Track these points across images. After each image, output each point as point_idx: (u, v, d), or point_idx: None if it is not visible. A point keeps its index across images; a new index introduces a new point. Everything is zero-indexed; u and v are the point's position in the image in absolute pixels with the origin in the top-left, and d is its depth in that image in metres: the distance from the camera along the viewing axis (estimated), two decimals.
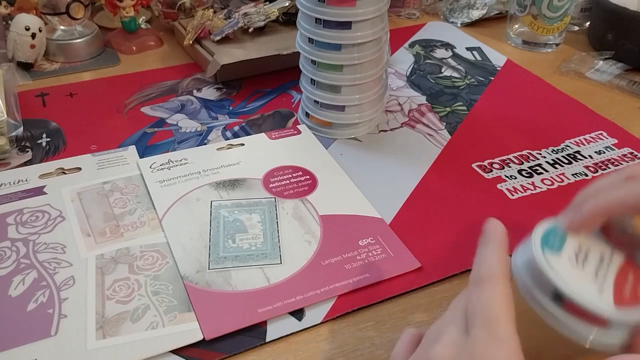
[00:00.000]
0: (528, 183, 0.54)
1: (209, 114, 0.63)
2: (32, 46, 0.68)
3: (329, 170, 0.54)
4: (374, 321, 0.41)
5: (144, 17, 0.77)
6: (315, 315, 0.41)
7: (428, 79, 0.71)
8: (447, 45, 0.79)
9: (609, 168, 0.56)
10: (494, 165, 0.56)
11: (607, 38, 0.75)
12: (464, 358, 0.28)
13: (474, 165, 0.56)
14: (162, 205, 0.49)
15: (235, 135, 0.60)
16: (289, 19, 0.73)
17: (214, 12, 0.74)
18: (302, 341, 0.39)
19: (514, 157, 0.57)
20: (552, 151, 0.58)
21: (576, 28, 0.84)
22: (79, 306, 0.40)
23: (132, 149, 0.57)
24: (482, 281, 0.31)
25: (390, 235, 0.47)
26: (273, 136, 0.59)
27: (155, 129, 0.61)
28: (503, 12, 0.85)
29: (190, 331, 0.39)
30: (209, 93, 0.67)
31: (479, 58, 0.76)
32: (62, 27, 0.72)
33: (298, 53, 0.58)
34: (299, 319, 0.40)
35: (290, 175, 0.53)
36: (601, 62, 0.73)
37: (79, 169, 0.54)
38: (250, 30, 0.70)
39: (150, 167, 0.54)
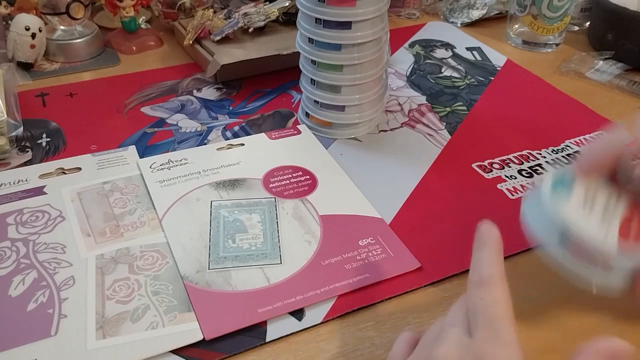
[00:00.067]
0: (528, 183, 0.54)
1: (209, 114, 0.63)
2: (32, 46, 0.68)
3: (329, 170, 0.54)
4: (374, 321, 0.41)
5: (144, 17, 0.77)
6: (315, 315, 0.41)
7: (428, 79, 0.71)
8: (447, 45, 0.79)
9: None
10: (494, 165, 0.56)
11: (607, 38, 0.75)
12: (468, 359, 0.28)
13: (474, 165, 0.56)
14: (162, 205, 0.49)
15: (235, 135, 0.60)
16: (289, 19, 0.73)
17: (214, 12, 0.74)
18: (302, 341, 0.39)
19: (514, 157, 0.57)
20: (552, 151, 0.58)
21: (576, 28, 0.84)
22: (79, 306, 0.40)
23: (132, 149, 0.57)
24: (482, 283, 0.31)
25: (390, 235, 0.47)
26: (273, 136, 0.59)
27: (155, 129, 0.61)
28: (503, 12, 0.85)
29: (190, 331, 0.39)
30: (209, 93, 0.67)
31: (479, 58, 0.76)
32: (62, 27, 0.72)
33: (298, 53, 0.58)
34: (299, 319, 0.40)
35: (290, 175, 0.53)
36: (601, 62, 0.73)
37: (79, 169, 0.54)
38: (250, 30, 0.70)
39: (150, 167, 0.54)
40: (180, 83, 0.69)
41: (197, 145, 0.58)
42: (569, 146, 0.59)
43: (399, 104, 0.66)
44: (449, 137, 0.60)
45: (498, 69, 0.74)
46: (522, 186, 0.53)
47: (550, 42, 0.78)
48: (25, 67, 0.70)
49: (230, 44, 0.70)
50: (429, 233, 0.48)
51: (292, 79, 0.67)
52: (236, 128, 0.61)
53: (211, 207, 0.49)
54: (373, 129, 0.61)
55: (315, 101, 0.58)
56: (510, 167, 0.56)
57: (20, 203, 0.49)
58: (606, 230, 0.35)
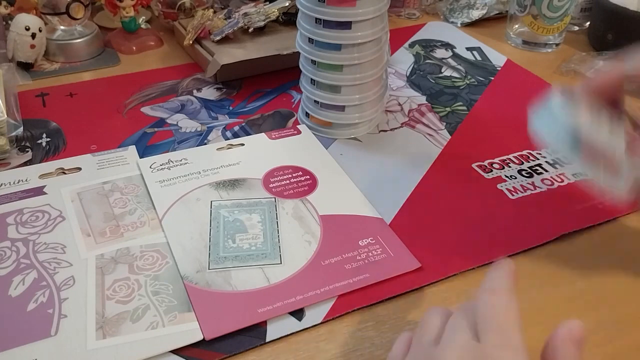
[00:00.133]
0: (528, 183, 0.54)
1: (209, 114, 0.63)
2: (32, 46, 0.68)
3: (329, 170, 0.54)
4: (374, 321, 0.41)
5: (144, 17, 0.77)
6: (315, 315, 0.41)
7: (428, 79, 0.71)
8: (447, 45, 0.79)
9: None
10: (494, 165, 0.56)
11: (607, 38, 0.75)
12: None
13: (474, 165, 0.56)
14: (162, 205, 0.49)
15: (235, 135, 0.60)
16: (289, 19, 0.73)
17: (214, 12, 0.74)
18: (302, 341, 0.39)
19: (514, 157, 0.57)
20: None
21: (576, 28, 0.84)
22: (79, 306, 0.40)
23: (132, 149, 0.57)
24: (495, 291, 0.31)
25: (390, 235, 0.47)
26: (273, 136, 0.59)
27: (155, 129, 0.61)
28: (503, 12, 0.85)
29: (190, 331, 0.39)
30: (209, 93, 0.67)
31: (479, 58, 0.76)
32: (62, 27, 0.72)
33: (298, 53, 0.58)
34: (299, 319, 0.40)
35: (290, 175, 0.53)
36: (601, 62, 0.73)
37: (79, 169, 0.54)
38: (250, 30, 0.70)
39: (150, 167, 0.54)
40: (180, 83, 0.69)
41: (197, 145, 0.58)
42: None
43: (399, 104, 0.66)
44: (449, 137, 0.60)
45: (498, 69, 0.74)
46: (522, 186, 0.53)
47: (550, 42, 0.78)
48: (25, 67, 0.70)
49: (230, 44, 0.70)
50: (429, 233, 0.48)
51: (292, 79, 0.67)
52: (236, 128, 0.61)
53: (211, 207, 0.49)
54: (373, 129, 0.61)
55: (315, 101, 0.58)
56: (510, 167, 0.56)
57: (20, 203, 0.49)
58: (615, 139, 0.37)
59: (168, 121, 0.62)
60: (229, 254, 0.45)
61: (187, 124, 0.61)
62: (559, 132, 0.39)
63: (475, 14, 0.85)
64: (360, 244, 0.46)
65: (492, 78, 0.71)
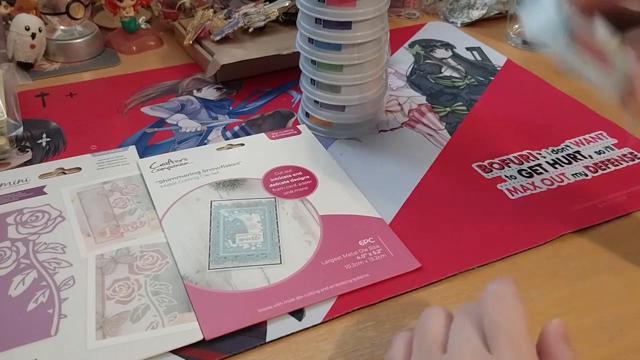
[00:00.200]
0: (528, 183, 0.54)
1: (209, 114, 0.63)
2: (32, 46, 0.68)
3: (329, 170, 0.54)
4: (374, 321, 0.41)
5: (144, 17, 0.77)
6: (315, 315, 0.41)
7: (428, 79, 0.71)
8: (447, 45, 0.79)
9: (609, 168, 0.56)
10: (494, 165, 0.56)
11: None
12: None
13: (474, 165, 0.56)
14: (162, 205, 0.49)
15: (235, 135, 0.60)
16: (289, 19, 0.73)
17: (214, 12, 0.74)
18: (302, 341, 0.39)
19: (514, 157, 0.57)
20: (552, 151, 0.58)
21: None
22: (79, 306, 0.40)
23: (132, 149, 0.57)
24: (501, 295, 0.30)
25: (390, 235, 0.47)
26: (273, 136, 0.59)
27: (155, 129, 0.61)
28: (503, 12, 0.85)
29: (190, 331, 0.39)
30: (209, 93, 0.67)
31: (479, 58, 0.76)
32: (62, 27, 0.72)
33: (298, 53, 0.58)
34: (299, 319, 0.40)
35: (290, 175, 0.53)
36: None
37: (79, 169, 0.54)
38: (250, 30, 0.70)
39: (150, 167, 0.54)
40: (180, 83, 0.69)
41: (197, 145, 0.58)
42: (568, 146, 0.59)
43: (399, 104, 0.66)
44: (449, 137, 0.60)
45: (498, 69, 0.74)
46: (522, 186, 0.53)
47: None
48: (25, 67, 0.70)
49: (230, 44, 0.70)
50: (429, 233, 0.48)
51: (292, 79, 0.67)
52: (236, 128, 0.61)
53: (211, 207, 0.49)
54: (373, 129, 0.61)
55: (315, 101, 0.58)
56: (510, 167, 0.56)
57: (20, 203, 0.49)
58: (609, 33, 0.37)
59: (168, 121, 0.62)
60: (229, 254, 0.45)
61: (187, 124, 0.61)
62: (552, 26, 0.38)
63: (475, 14, 0.85)
64: (360, 244, 0.46)
65: (492, 78, 0.71)
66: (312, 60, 0.56)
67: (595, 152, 0.58)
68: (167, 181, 0.52)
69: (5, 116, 0.56)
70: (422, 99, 0.67)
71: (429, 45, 0.79)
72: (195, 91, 0.68)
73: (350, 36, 0.53)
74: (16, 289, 0.42)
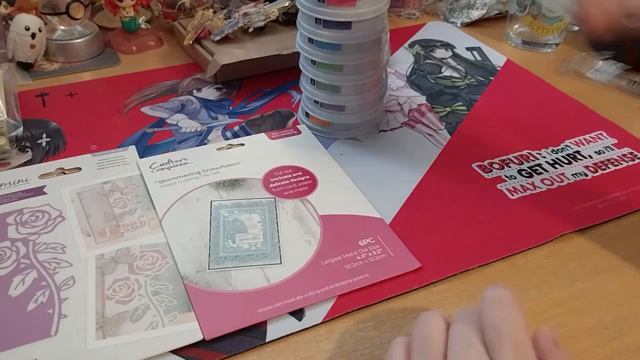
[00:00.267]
0: (528, 183, 0.54)
1: (209, 114, 0.63)
2: (32, 46, 0.68)
3: (329, 170, 0.54)
4: (374, 321, 0.41)
5: (144, 17, 0.77)
6: (315, 315, 0.41)
7: (428, 79, 0.71)
8: (447, 45, 0.79)
9: (609, 168, 0.56)
10: (494, 165, 0.56)
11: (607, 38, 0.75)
12: None
13: (474, 165, 0.56)
14: (162, 205, 0.49)
15: (235, 135, 0.60)
16: (289, 19, 0.73)
17: (214, 12, 0.74)
18: (302, 341, 0.39)
19: (514, 157, 0.57)
20: (552, 151, 0.58)
21: (576, 28, 0.84)
22: (79, 306, 0.40)
23: (132, 149, 0.57)
24: (503, 300, 0.30)
25: (390, 235, 0.47)
26: (273, 136, 0.59)
27: (155, 129, 0.61)
28: (503, 12, 0.85)
29: (190, 331, 0.39)
30: (209, 93, 0.67)
31: (479, 58, 0.76)
32: (62, 27, 0.72)
33: (298, 53, 0.58)
34: (299, 319, 0.40)
35: (290, 175, 0.53)
36: (601, 62, 0.73)
37: (79, 169, 0.54)
38: (250, 30, 0.70)
39: (150, 167, 0.54)
40: (180, 83, 0.69)
41: (197, 145, 0.58)
42: (568, 146, 0.59)
43: (399, 104, 0.66)
44: (449, 137, 0.60)
45: (498, 69, 0.74)
46: (522, 186, 0.53)
47: (550, 42, 0.78)
48: (25, 67, 0.70)
49: (230, 44, 0.70)
50: (429, 233, 0.48)
51: (292, 79, 0.67)
52: (236, 128, 0.61)
53: (211, 207, 0.49)
54: (373, 129, 0.61)
55: (315, 101, 0.58)
56: (510, 167, 0.56)
57: (20, 203, 0.49)
58: None
59: (168, 121, 0.62)
60: (229, 254, 0.45)
61: (187, 124, 0.61)
62: None
63: (475, 14, 0.85)
64: (360, 244, 0.46)
65: (492, 78, 0.71)
66: (312, 60, 0.56)
67: (595, 152, 0.58)
68: (167, 181, 0.52)
69: (5, 116, 0.56)
70: (422, 99, 0.67)
71: (429, 45, 0.79)
72: (195, 91, 0.68)
73: (350, 36, 0.53)
74: (16, 289, 0.42)
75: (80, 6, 0.71)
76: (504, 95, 0.68)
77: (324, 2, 0.52)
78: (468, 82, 0.70)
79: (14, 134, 0.57)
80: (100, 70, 0.72)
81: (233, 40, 0.70)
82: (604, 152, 0.58)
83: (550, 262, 0.46)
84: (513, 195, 0.52)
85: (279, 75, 0.70)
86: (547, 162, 0.57)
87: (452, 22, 0.86)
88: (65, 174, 0.53)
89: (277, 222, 0.48)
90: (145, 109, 0.64)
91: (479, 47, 0.79)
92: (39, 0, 0.71)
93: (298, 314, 0.41)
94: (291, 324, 0.40)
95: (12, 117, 0.58)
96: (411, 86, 0.69)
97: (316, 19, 0.53)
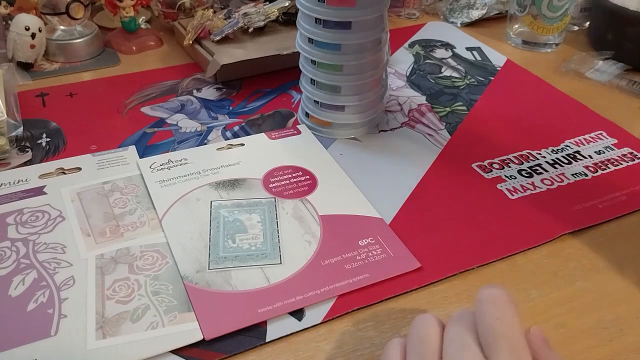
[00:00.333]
0: (528, 183, 0.54)
1: (209, 114, 0.63)
2: (32, 46, 0.68)
3: (329, 170, 0.54)
4: (374, 321, 0.41)
5: (143, 17, 0.77)
6: (315, 315, 0.41)
7: (428, 79, 0.71)
8: (447, 45, 0.79)
9: (609, 168, 0.56)
10: (494, 165, 0.56)
11: (607, 38, 0.75)
12: None
13: (474, 165, 0.56)
14: (162, 205, 0.49)
15: (235, 135, 0.60)
16: (289, 19, 0.73)
17: (214, 12, 0.74)
18: (302, 341, 0.39)
19: (513, 157, 0.57)
20: (552, 151, 0.58)
21: (576, 28, 0.84)
22: (79, 306, 0.40)
23: (132, 149, 0.57)
24: (498, 300, 0.30)
25: (390, 235, 0.47)
26: (273, 136, 0.59)
27: (155, 129, 0.61)
28: (503, 12, 0.85)
29: (190, 331, 0.39)
30: (209, 93, 0.67)
31: (478, 58, 0.76)
32: (62, 27, 0.72)
33: (298, 53, 0.58)
34: (299, 319, 0.40)
35: (290, 175, 0.53)
36: (601, 62, 0.73)
37: (79, 169, 0.54)
38: (250, 30, 0.70)
39: (150, 167, 0.54)
40: (180, 83, 0.69)
41: (197, 145, 0.58)
42: (568, 146, 0.59)
43: (399, 104, 0.66)
44: (449, 137, 0.60)
45: (498, 69, 0.74)
46: (522, 186, 0.53)
47: (550, 42, 0.78)
48: (25, 67, 0.70)
49: (230, 44, 0.70)
50: (429, 233, 0.48)
51: (292, 79, 0.67)
52: (236, 128, 0.61)
53: (211, 207, 0.49)
54: (373, 129, 0.61)
55: (315, 101, 0.58)
56: (510, 167, 0.56)
57: (20, 203, 0.49)
58: None
59: (168, 121, 0.62)
60: (229, 254, 0.45)
61: (187, 124, 0.61)
62: None
63: (475, 14, 0.85)
64: (360, 244, 0.46)
65: (492, 78, 0.71)
66: (312, 60, 0.56)
67: (595, 152, 0.58)
68: (167, 181, 0.52)
69: (5, 116, 0.56)
70: (422, 99, 0.67)
71: (429, 45, 0.79)
72: (195, 91, 0.68)
73: (350, 36, 0.53)
74: (16, 289, 0.42)
75: (80, 6, 0.71)
76: (504, 95, 0.68)
77: (324, 2, 0.52)
78: (468, 82, 0.70)
79: (14, 134, 0.57)
80: (100, 70, 0.72)
81: (233, 40, 0.70)
82: (604, 152, 0.58)
83: (550, 262, 0.46)
84: (513, 195, 0.52)
85: (279, 75, 0.70)
86: (547, 162, 0.57)
87: (452, 22, 0.86)
88: (65, 174, 0.53)
89: (277, 222, 0.48)
90: (145, 109, 0.64)
91: (479, 47, 0.79)
92: (39, 0, 0.71)
93: (298, 314, 0.41)
94: (291, 324, 0.40)
95: (12, 117, 0.58)
96: (411, 86, 0.69)
97: (316, 19, 0.53)
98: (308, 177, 0.53)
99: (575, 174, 0.55)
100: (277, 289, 0.42)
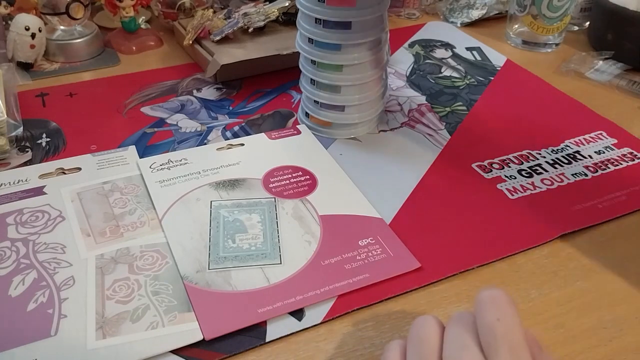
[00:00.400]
0: (528, 183, 0.54)
1: (209, 114, 0.63)
2: (32, 46, 0.68)
3: (329, 170, 0.54)
4: (374, 321, 0.41)
5: (143, 17, 0.77)
6: (315, 315, 0.41)
7: (428, 79, 0.71)
8: (447, 45, 0.79)
9: (609, 168, 0.56)
10: (493, 165, 0.56)
11: (607, 38, 0.75)
12: None
13: (474, 165, 0.56)
14: (162, 205, 0.49)
15: (235, 135, 0.60)
16: (289, 19, 0.73)
17: (214, 12, 0.74)
18: (302, 341, 0.39)
19: (513, 157, 0.57)
20: (551, 151, 0.58)
21: (576, 28, 0.84)
22: (79, 306, 0.40)
23: (132, 149, 0.57)
24: (498, 301, 0.30)
25: (390, 235, 0.47)
26: (273, 136, 0.59)
27: (155, 129, 0.61)
28: (503, 12, 0.85)
29: (190, 331, 0.39)
30: (209, 93, 0.67)
31: (478, 58, 0.76)
32: (62, 27, 0.72)
33: (298, 53, 0.58)
34: (299, 319, 0.40)
35: (290, 175, 0.53)
36: (601, 62, 0.73)
37: (79, 169, 0.54)
38: (250, 30, 0.70)
39: (150, 167, 0.54)
40: (180, 83, 0.69)
41: (197, 145, 0.58)
42: (568, 146, 0.59)
43: (399, 104, 0.66)
44: (449, 137, 0.60)
45: (498, 69, 0.74)
46: (522, 186, 0.53)
47: (550, 42, 0.78)
48: (25, 67, 0.70)
49: (230, 44, 0.70)
50: (429, 233, 0.48)
51: (292, 79, 0.67)
52: (236, 128, 0.61)
53: (211, 207, 0.49)
54: (373, 129, 0.61)
55: (315, 101, 0.58)
56: (510, 167, 0.56)
57: (20, 203, 0.49)
58: None
59: (168, 121, 0.62)
60: (228, 254, 0.45)
61: (187, 124, 0.61)
62: None
63: (475, 14, 0.85)
64: (360, 244, 0.46)
65: (492, 78, 0.71)
66: (312, 60, 0.56)
67: (595, 152, 0.58)
68: (167, 181, 0.52)
69: (5, 116, 0.56)
70: (422, 99, 0.67)
71: (428, 45, 0.79)
72: (195, 91, 0.68)
73: (350, 36, 0.53)
74: (16, 289, 0.42)
75: (80, 6, 0.71)
76: (503, 95, 0.68)
77: (324, 2, 0.52)
78: (468, 82, 0.70)
79: (14, 134, 0.57)
80: (100, 70, 0.72)
81: (233, 40, 0.70)
82: (603, 152, 0.58)
83: (550, 262, 0.46)
84: (513, 195, 0.52)
85: (279, 75, 0.70)
86: (547, 162, 0.57)
87: (452, 22, 0.86)
88: (65, 174, 0.53)
89: (277, 222, 0.48)
90: (145, 109, 0.64)
91: (479, 47, 0.79)
92: (39, 0, 0.71)
93: (298, 314, 0.41)
94: (291, 324, 0.40)
95: (12, 117, 0.58)
96: (411, 86, 0.69)
97: (316, 19, 0.53)
98: (308, 177, 0.53)
99: (575, 174, 0.55)
100: (277, 289, 0.42)
